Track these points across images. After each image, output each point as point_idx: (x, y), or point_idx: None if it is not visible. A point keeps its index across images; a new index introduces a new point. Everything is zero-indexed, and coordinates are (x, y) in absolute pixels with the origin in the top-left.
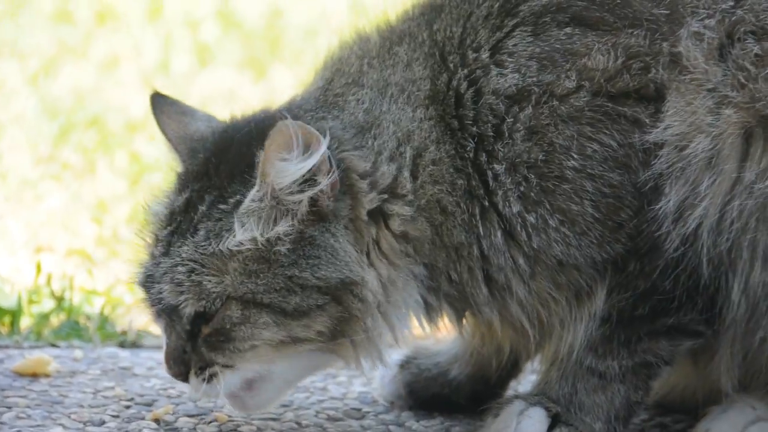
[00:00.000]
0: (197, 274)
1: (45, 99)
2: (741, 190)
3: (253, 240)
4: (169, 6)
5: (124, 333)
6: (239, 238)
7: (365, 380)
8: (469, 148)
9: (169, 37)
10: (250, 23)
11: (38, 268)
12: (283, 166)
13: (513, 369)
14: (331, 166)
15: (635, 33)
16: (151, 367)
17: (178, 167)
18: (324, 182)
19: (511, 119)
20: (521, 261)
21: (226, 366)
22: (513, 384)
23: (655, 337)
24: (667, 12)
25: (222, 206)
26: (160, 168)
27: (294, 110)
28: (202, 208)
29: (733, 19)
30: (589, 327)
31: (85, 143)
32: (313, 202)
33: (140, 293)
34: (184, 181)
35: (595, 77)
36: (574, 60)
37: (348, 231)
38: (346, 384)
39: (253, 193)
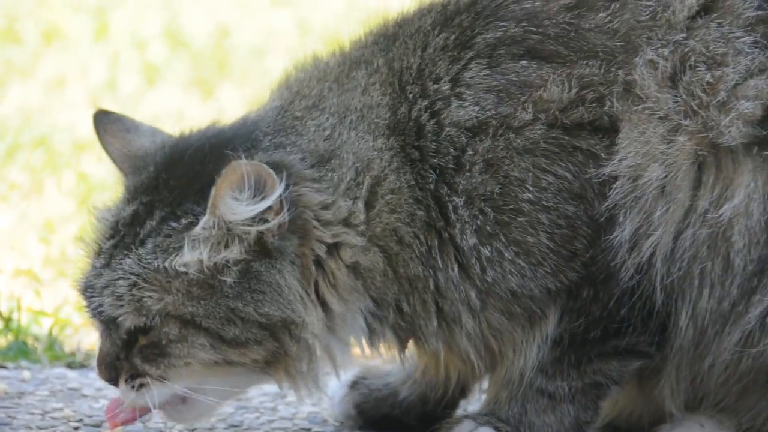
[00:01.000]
0: (138, 289)
1: None
2: (694, 219)
3: (200, 263)
4: (116, 26)
5: (72, 354)
6: (187, 258)
7: (315, 400)
8: (430, 179)
9: (116, 56)
10: (197, 43)
11: None
12: (233, 205)
13: (463, 389)
14: (282, 207)
15: (590, 63)
16: (99, 387)
17: (125, 183)
18: (274, 222)
19: (471, 152)
20: (473, 295)
21: (157, 378)
22: (463, 403)
23: (605, 358)
24: (622, 44)
25: (173, 224)
26: (108, 188)
27: (251, 133)
28: (151, 222)
29: (686, 49)
30: (541, 349)
31: (33, 163)
32: (259, 236)
33: (80, 300)
34: (133, 193)
35: (550, 109)
36: (530, 92)
37: (294, 267)
38: (296, 404)
39: (203, 221)
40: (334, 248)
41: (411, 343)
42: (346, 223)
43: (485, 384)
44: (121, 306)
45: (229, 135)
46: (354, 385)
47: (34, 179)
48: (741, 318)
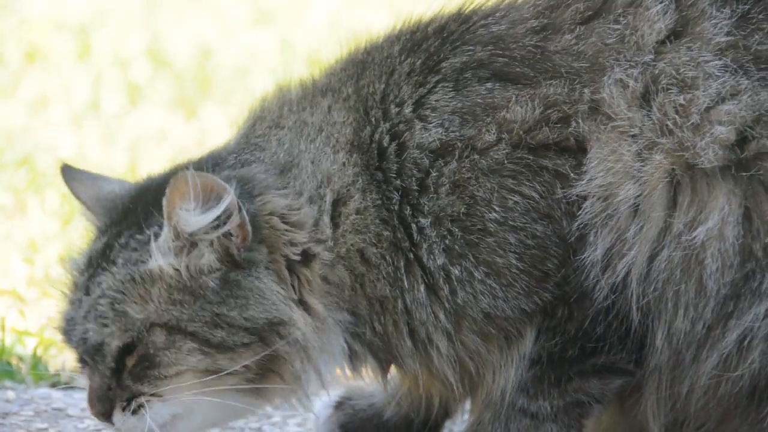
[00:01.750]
0: (119, 303)
1: None
2: (669, 241)
3: (173, 268)
4: (98, 46)
5: (57, 374)
6: (158, 263)
7: (300, 420)
8: (394, 200)
9: (99, 76)
10: (180, 63)
11: None
12: (184, 215)
13: (447, 411)
14: (243, 219)
15: (554, 83)
16: (84, 408)
17: (97, 223)
18: (232, 229)
19: (436, 173)
20: (442, 316)
21: (153, 395)
22: (448, 424)
23: (585, 376)
24: (588, 65)
25: (139, 236)
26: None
27: (216, 155)
28: (120, 241)
29: (656, 71)
30: (520, 368)
31: (16, 183)
32: (226, 249)
33: (65, 342)
34: (103, 230)
35: (513, 129)
36: (494, 113)
37: (270, 272)
38: (281, 424)
39: (164, 232)
40: (306, 253)
41: (393, 366)
42: (314, 233)
43: (469, 405)
44: (106, 326)
45: (194, 161)
46: (339, 405)
47: (17, 199)
48: (718, 342)
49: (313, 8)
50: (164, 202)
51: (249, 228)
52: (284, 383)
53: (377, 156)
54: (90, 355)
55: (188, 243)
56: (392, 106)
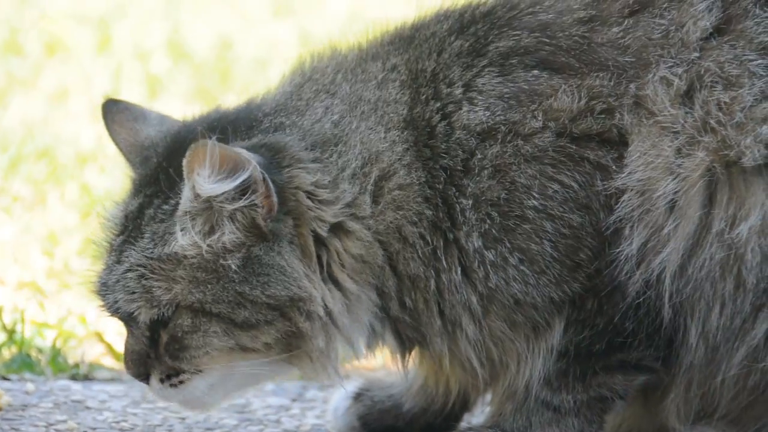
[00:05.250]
0: (146, 279)
1: None
2: (710, 239)
3: (196, 245)
4: (119, 38)
5: (76, 366)
6: (181, 242)
7: (319, 412)
8: (440, 179)
9: (119, 68)
10: (200, 55)
11: None
12: (199, 181)
13: (466, 402)
14: (269, 189)
15: (600, 76)
16: (103, 400)
17: (132, 174)
18: (257, 200)
19: (480, 156)
20: (474, 300)
21: (194, 372)
22: (466, 416)
23: (610, 371)
24: (633, 60)
25: (165, 207)
26: (111, 200)
27: (252, 114)
28: (150, 211)
29: (700, 69)
30: (547, 360)
31: (36, 175)
32: (252, 220)
33: (100, 305)
34: (138, 186)
35: (560, 118)
36: (540, 101)
37: (294, 247)
38: (300, 416)
39: (185, 196)
40: (338, 229)
41: (415, 352)
42: (350, 210)
43: (488, 397)
44: (134, 300)
45: (231, 118)
46: (357, 397)
47: (37, 191)
48: (747, 334)
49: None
50: (184, 164)
51: (275, 199)
52: (309, 359)
53: (427, 134)
54: (125, 321)
55: (205, 209)
56: (443, 86)
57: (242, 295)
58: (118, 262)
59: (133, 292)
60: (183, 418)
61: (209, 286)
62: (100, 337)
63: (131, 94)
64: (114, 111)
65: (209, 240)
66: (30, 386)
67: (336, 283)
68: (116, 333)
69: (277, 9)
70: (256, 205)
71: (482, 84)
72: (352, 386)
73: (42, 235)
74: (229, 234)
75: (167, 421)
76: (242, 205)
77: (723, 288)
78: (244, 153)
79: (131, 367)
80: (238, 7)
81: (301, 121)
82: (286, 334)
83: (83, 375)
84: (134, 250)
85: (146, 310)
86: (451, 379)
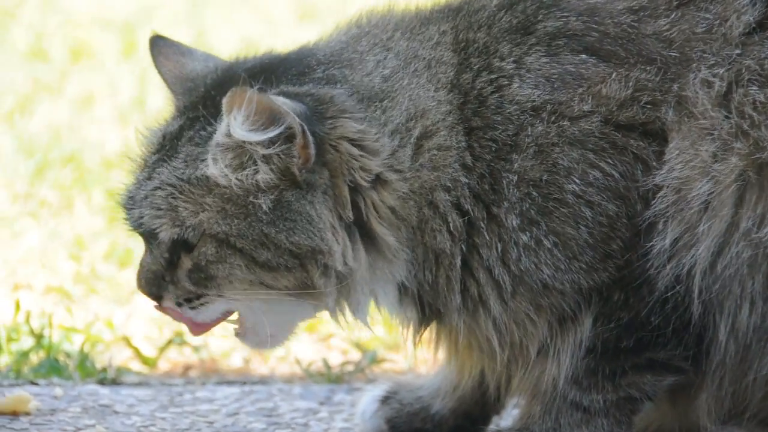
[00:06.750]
0: (174, 198)
1: (21, 137)
2: (737, 238)
3: (225, 177)
4: (144, 43)
5: (104, 370)
6: (211, 170)
7: (347, 416)
8: (490, 149)
9: (145, 73)
10: (225, 57)
11: (17, 306)
12: (235, 127)
13: (496, 403)
14: (306, 141)
15: (646, 69)
16: (131, 404)
17: (176, 103)
18: (292, 150)
19: (527, 132)
20: (504, 279)
21: (217, 296)
22: (495, 419)
23: (639, 371)
24: (677, 54)
25: (203, 132)
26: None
27: (305, 60)
28: (189, 133)
29: (740, 67)
30: (575, 356)
31: (62, 180)
32: (286, 167)
33: (122, 214)
34: (182, 111)
35: (608, 104)
36: (588, 85)
37: (327, 197)
38: (328, 420)
39: (220, 129)
40: (377, 181)
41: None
42: (389, 162)
43: (516, 399)
44: (159, 216)
45: (283, 60)
46: (385, 400)
47: (63, 196)
48: None
49: (355, 4)
50: (223, 102)
51: (312, 151)
52: (327, 309)
53: (478, 102)
54: (146, 238)
55: (238, 148)
56: (495, 59)
57: (267, 237)
58: (149, 178)
59: (159, 209)
60: (211, 422)
61: (236, 220)
62: (127, 341)
63: (157, 99)
64: (161, 45)
65: (239, 174)
66: (58, 391)
67: (371, 238)
68: (143, 337)
69: (302, 13)
70: (292, 154)
71: (530, 62)
72: (379, 389)
73: (69, 240)
74: (263, 174)
75: (195, 425)
76: (277, 151)
77: (751, 286)
78: (284, 105)
79: (144, 286)
80: (263, 11)
81: (352, 76)
82: (304, 285)
83: (111, 379)
84: (167, 168)
85: (168, 228)
86: (467, 363)
